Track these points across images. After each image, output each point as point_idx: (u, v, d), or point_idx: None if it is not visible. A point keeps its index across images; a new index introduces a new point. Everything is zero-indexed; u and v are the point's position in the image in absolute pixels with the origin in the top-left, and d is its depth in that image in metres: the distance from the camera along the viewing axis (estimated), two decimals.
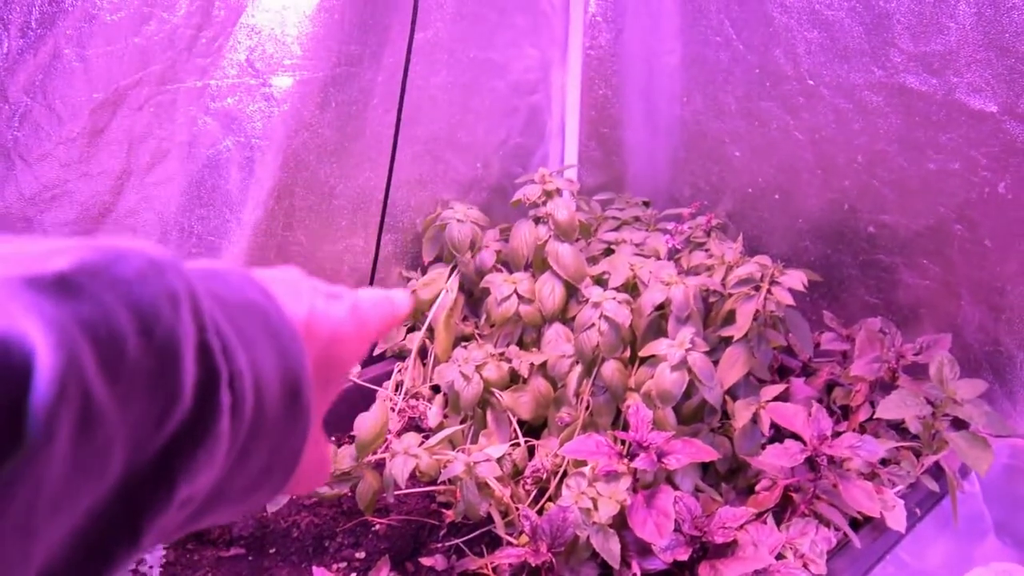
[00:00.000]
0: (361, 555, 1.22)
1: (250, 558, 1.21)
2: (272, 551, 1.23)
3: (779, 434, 1.19)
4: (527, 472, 1.22)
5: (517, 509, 1.19)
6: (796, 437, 1.13)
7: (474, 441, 1.29)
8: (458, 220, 1.47)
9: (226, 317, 0.30)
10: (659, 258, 1.41)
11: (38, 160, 1.11)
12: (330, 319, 0.39)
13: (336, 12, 1.28)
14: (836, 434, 1.11)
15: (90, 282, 0.25)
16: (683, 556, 1.02)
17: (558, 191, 1.39)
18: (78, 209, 1.16)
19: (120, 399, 0.24)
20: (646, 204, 1.67)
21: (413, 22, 1.36)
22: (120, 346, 0.25)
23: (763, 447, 1.14)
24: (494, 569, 1.14)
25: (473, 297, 1.54)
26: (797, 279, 1.20)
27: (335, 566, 1.19)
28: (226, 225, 1.29)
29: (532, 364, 1.32)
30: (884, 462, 1.24)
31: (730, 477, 1.24)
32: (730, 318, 1.25)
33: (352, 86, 1.37)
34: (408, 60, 1.38)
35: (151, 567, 0.92)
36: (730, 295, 1.25)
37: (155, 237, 1.23)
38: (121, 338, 0.25)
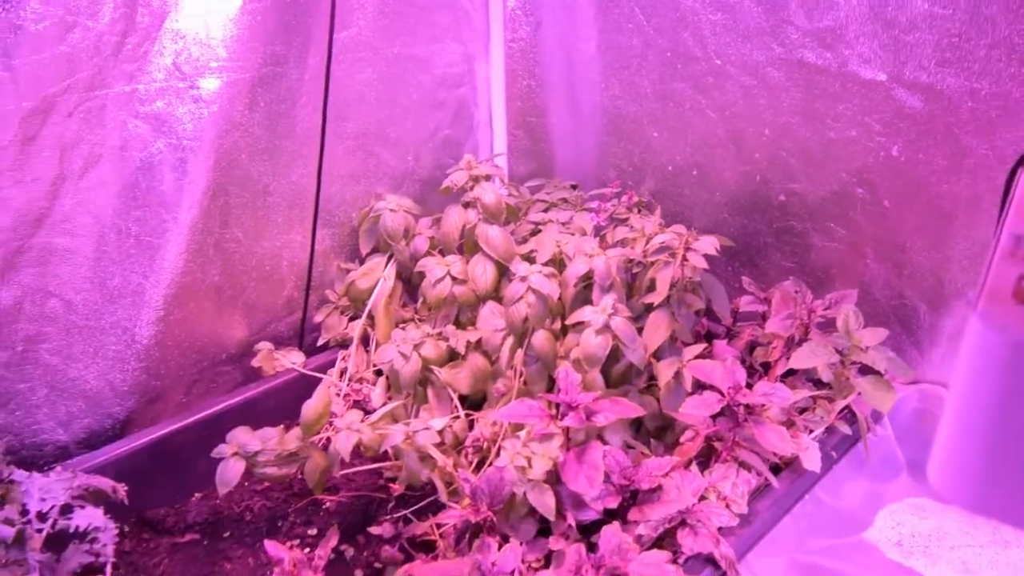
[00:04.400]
0: (313, 531, 1.27)
1: (205, 543, 1.25)
2: (226, 535, 1.27)
3: (703, 391, 1.26)
4: (468, 442, 1.29)
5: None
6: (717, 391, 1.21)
7: (416, 417, 1.35)
8: (391, 210, 1.53)
9: None
10: (585, 235, 1.48)
11: None
12: None
13: (259, 15, 1.33)
14: (751, 385, 1.19)
15: None
16: (613, 504, 1.09)
17: (486, 176, 1.45)
18: (14, 215, 1.19)
19: None
20: (574, 187, 1.75)
21: (332, 21, 1.41)
22: None
23: None
24: (440, 533, 1.20)
25: (411, 284, 1.60)
26: (710, 244, 1.28)
27: (288, 543, 1.24)
28: (163, 225, 1.33)
29: (468, 341, 1.38)
30: (802, 411, 1.33)
31: (659, 434, 1.31)
32: (652, 286, 1.32)
33: (279, 86, 1.41)
34: (329, 58, 1.44)
35: (105, 544, 0.95)
36: (650, 264, 1.33)
37: (93, 240, 1.27)
38: None
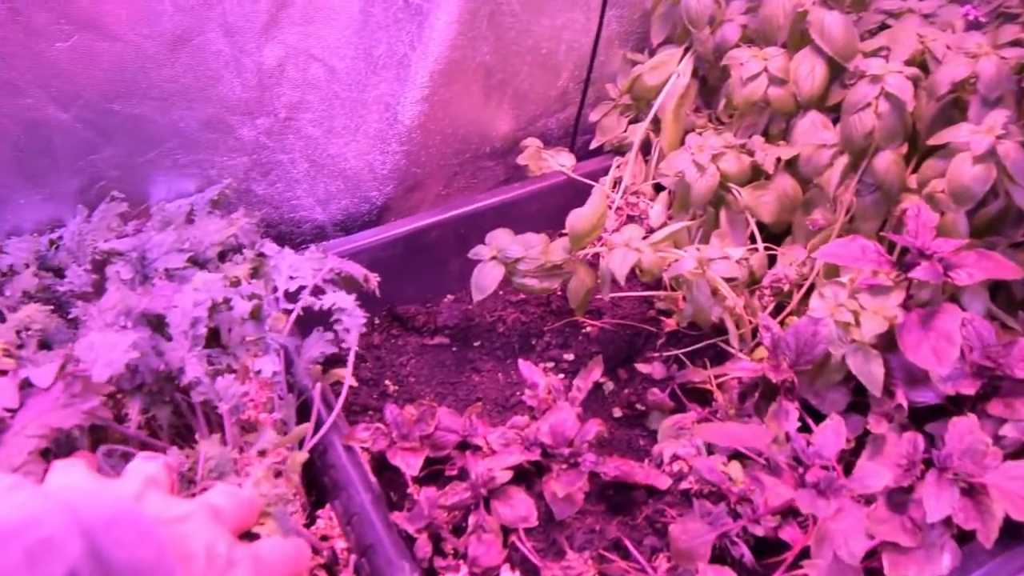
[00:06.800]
0: (570, 356, 1.12)
1: (454, 348, 1.15)
2: (476, 344, 1.16)
3: None
4: (765, 281, 1.05)
5: (750, 322, 1.02)
6: None
7: (703, 243, 1.12)
8: None
9: None
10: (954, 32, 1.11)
11: None
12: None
13: None
14: None
15: None
16: (968, 389, 0.82)
17: None
18: None
19: None
20: None
21: None
22: None
23: None
24: (719, 384, 1.00)
25: (707, 85, 1.32)
26: None
27: (541, 365, 1.10)
28: None
29: (779, 158, 1.11)
30: None
31: None
32: None
33: None
34: None
35: (348, 329, 0.85)
36: None
37: (359, 1, 1.11)
38: None
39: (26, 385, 0.71)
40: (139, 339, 0.75)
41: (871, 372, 0.84)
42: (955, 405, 0.85)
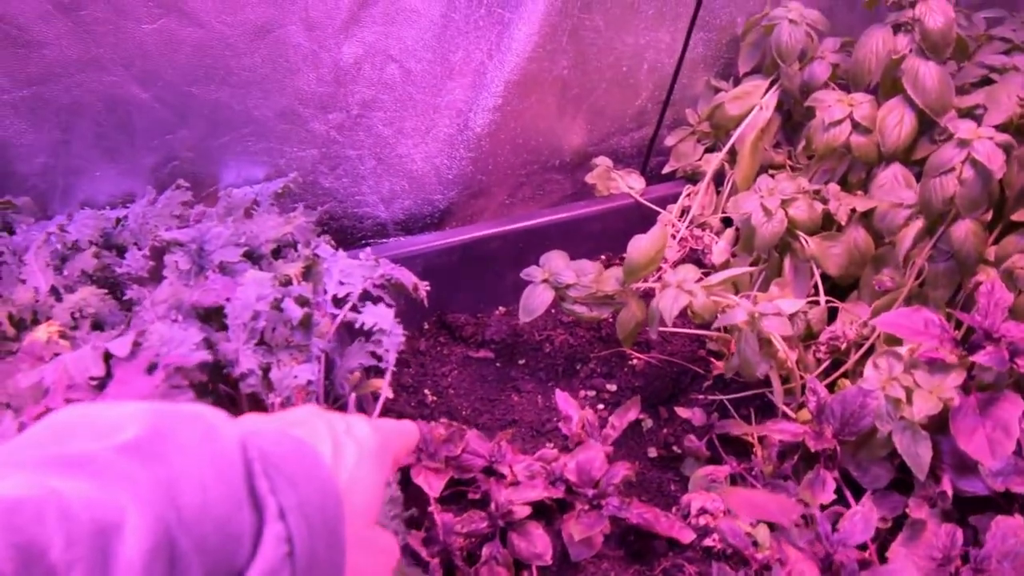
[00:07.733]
0: (612, 387, 1.10)
1: (498, 364, 1.15)
2: (521, 362, 1.15)
3: None
4: (822, 337, 1.01)
5: (801, 378, 0.99)
6: None
7: (763, 289, 1.09)
8: (791, 21, 1.19)
9: (272, 466, 0.36)
10: None
11: None
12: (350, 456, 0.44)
13: None
14: None
15: (162, 446, 0.34)
16: (1020, 487, 0.78)
17: None
18: None
19: (197, 545, 0.32)
20: None
21: None
22: (191, 501, 0.33)
23: None
24: (760, 439, 0.97)
25: (791, 120, 1.28)
26: None
27: (583, 392, 1.09)
28: None
29: (854, 209, 1.06)
30: None
31: None
32: None
33: None
34: None
35: (388, 350, 0.86)
36: None
37: (442, 3, 1.11)
38: (191, 495, 0.33)
39: (107, 358, 0.74)
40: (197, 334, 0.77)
41: (918, 454, 0.80)
42: (1005, 500, 0.80)
